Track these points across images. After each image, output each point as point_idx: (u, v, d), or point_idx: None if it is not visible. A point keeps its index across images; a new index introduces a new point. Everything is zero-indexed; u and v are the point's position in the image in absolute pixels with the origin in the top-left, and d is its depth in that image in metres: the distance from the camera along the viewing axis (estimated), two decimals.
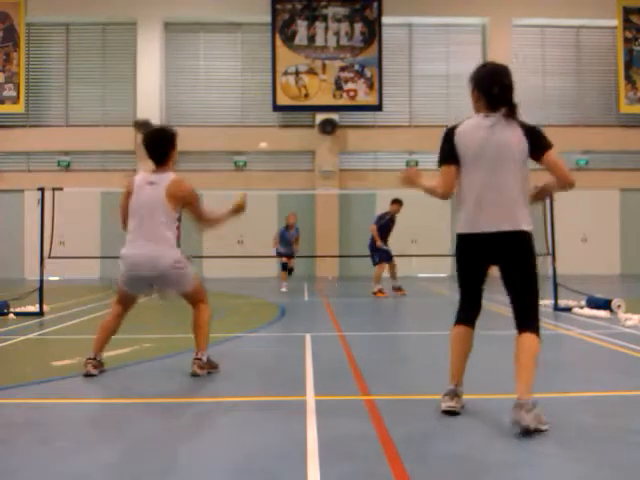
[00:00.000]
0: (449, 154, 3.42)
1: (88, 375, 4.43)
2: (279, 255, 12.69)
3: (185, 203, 4.50)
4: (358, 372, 4.53)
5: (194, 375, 4.43)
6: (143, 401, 3.85)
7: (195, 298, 4.62)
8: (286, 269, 12.72)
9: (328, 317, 8.31)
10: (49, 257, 8.61)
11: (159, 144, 4.56)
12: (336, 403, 3.74)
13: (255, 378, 4.46)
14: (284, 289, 12.34)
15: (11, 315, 8.02)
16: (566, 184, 3.35)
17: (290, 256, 12.66)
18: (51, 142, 18.84)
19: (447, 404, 3.44)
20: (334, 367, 4.79)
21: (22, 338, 6.34)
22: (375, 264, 11.33)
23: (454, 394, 3.48)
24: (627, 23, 19.31)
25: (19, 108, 18.76)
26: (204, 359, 4.54)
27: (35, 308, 8.33)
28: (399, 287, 11.37)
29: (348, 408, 3.62)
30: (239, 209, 4.75)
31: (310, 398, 3.77)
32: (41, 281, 8.33)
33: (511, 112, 3.34)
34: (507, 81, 3.38)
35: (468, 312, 3.55)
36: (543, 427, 3.08)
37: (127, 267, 4.45)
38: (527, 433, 3.00)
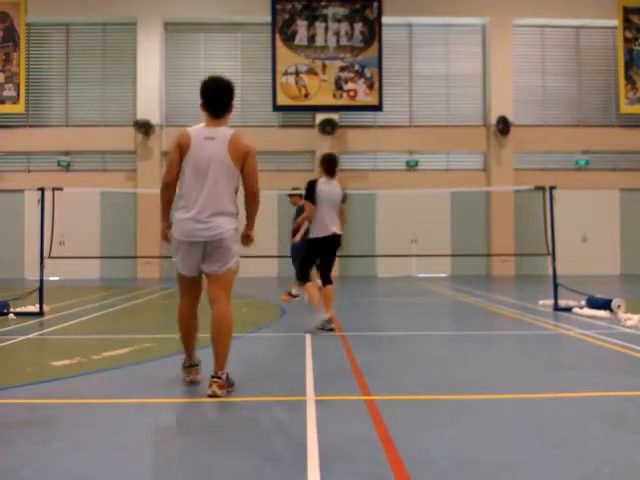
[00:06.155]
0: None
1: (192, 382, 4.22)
2: None
3: (244, 160, 3.95)
4: (358, 372, 4.52)
5: (212, 396, 3.80)
6: (143, 401, 3.85)
7: (224, 286, 3.96)
8: None
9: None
10: (49, 257, 8.61)
11: (224, 93, 4.04)
12: (336, 403, 3.74)
13: (255, 378, 4.46)
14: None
15: (11, 315, 8.01)
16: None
17: None
18: (51, 142, 18.84)
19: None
20: (334, 367, 4.79)
21: (22, 338, 6.33)
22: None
23: None
24: (627, 23, 19.32)
25: (19, 108, 18.77)
26: (223, 377, 3.88)
27: (35, 308, 8.32)
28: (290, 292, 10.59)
29: (348, 408, 3.62)
30: (248, 242, 4.26)
31: (310, 398, 3.76)
32: (41, 281, 8.33)
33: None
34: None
35: None
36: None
37: (183, 234, 3.89)
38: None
